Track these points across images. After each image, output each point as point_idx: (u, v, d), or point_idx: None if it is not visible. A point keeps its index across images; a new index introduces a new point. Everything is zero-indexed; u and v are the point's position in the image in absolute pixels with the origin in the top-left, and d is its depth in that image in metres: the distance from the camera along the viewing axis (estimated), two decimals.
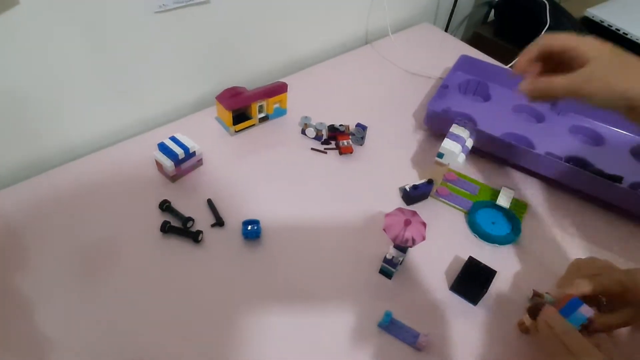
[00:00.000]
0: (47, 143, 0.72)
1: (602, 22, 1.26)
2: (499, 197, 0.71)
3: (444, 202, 0.72)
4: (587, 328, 0.50)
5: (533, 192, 0.76)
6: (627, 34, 1.22)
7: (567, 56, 0.48)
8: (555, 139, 0.81)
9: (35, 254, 0.60)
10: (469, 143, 0.69)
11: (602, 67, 0.46)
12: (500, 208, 0.71)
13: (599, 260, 0.58)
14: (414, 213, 0.59)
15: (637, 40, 1.20)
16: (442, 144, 0.66)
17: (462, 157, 0.67)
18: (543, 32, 1.04)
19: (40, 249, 0.61)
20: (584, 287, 0.52)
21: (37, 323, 0.54)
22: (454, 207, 0.72)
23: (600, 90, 0.45)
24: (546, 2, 1.07)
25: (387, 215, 0.59)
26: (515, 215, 0.70)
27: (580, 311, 0.49)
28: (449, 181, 0.75)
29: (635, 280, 0.51)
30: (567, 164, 0.71)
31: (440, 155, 0.67)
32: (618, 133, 0.83)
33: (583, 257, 0.61)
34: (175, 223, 0.65)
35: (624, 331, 0.58)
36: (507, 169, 0.79)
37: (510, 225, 0.69)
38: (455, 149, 0.66)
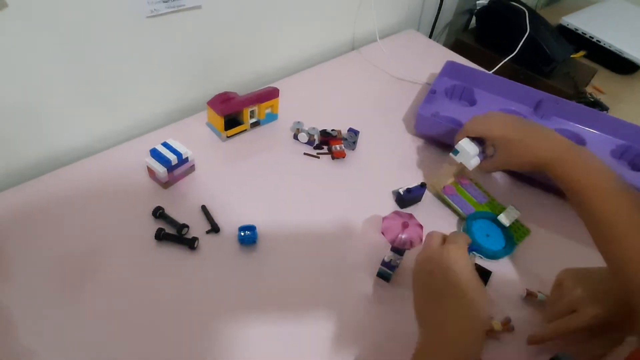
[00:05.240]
0: (31, 150, 0.70)
1: (577, 29, 1.31)
2: (502, 214, 0.69)
3: (445, 199, 0.72)
4: None
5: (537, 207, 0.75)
6: (600, 42, 1.27)
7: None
8: None
9: (19, 265, 0.58)
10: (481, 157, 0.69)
11: (507, 150, 0.63)
12: (499, 224, 0.69)
13: (579, 286, 0.54)
14: (411, 216, 0.60)
15: (609, 48, 1.26)
16: (460, 142, 0.67)
17: (475, 160, 0.67)
18: (523, 40, 1.07)
19: (25, 260, 0.59)
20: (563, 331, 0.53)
21: (22, 337, 0.52)
22: (451, 208, 0.72)
23: (515, 164, 0.65)
24: (525, 10, 1.11)
25: (384, 218, 0.60)
26: (512, 236, 0.68)
27: None
28: (460, 184, 0.74)
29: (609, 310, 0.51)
30: None
31: (455, 152, 0.67)
32: (598, 135, 0.87)
33: (573, 259, 0.60)
34: (169, 230, 0.64)
35: None
36: (523, 188, 0.78)
37: (504, 243, 0.68)
38: (471, 150, 0.66)
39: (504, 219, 0.68)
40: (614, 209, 0.50)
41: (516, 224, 0.70)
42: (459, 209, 0.71)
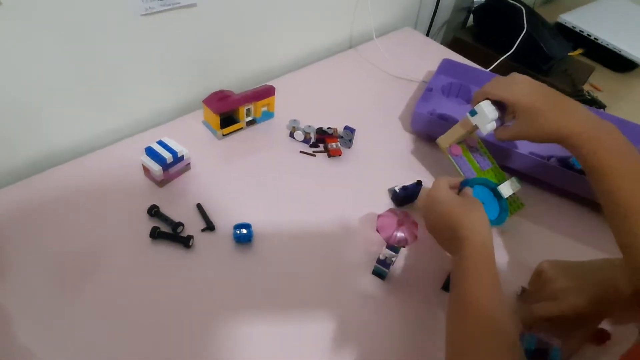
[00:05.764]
0: (28, 148, 0.70)
1: (574, 27, 1.31)
2: (503, 184, 0.66)
3: (449, 159, 0.71)
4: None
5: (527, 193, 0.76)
6: (597, 39, 1.27)
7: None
8: None
9: (15, 264, 0.58)
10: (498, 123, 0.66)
11: (530, 120, 0.59)
12: (497, 194, 0.66)
13: (560, 277, 0.56)
14: (406, 214, 0.60)
15: (607, 45, 1.25)
16: (481, 103, 0.63)
17: (492, 125, 0.64)
18: (520, 38, 1.07)
19: (20, 259, 0.58)
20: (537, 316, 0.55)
21: (17, 336, 0.52)
22: (454, 169, 0.71)
23: (535, 136, 0.59)
24: (522, 8, 1.11)
25: (379, 216, 0.60)
26: (507, 207, 0.66)
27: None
28: (467, 146, 0.72)
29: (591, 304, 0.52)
30: (551, 164, 0.73)
31: (473, 113, 0.65)
32: None
33: (566, 253, 0.61)
34: (164, 228, 0.64)
35: None
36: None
37: (497, 213, 0.66)
38: (490, 114, 0.63)
39: (504, 189, 0.65)
40: (634, 189, 0.49)
41: (512, 196, 0.69)
42: (460, 172, 0.70)
